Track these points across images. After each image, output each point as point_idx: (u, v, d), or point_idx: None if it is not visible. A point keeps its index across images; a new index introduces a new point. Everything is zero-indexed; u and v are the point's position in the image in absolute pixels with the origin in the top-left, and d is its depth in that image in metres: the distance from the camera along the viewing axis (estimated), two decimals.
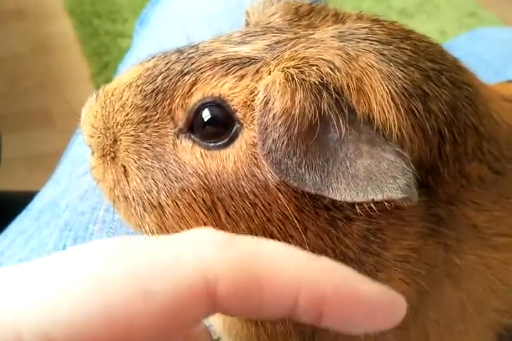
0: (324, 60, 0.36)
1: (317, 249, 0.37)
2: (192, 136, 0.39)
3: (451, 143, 0.37)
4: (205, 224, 0.38)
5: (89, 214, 0.63)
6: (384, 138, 0.35)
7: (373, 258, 0.38)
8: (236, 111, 0.37)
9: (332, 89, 0.35)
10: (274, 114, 0.35)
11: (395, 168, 0.34)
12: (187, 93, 0.39)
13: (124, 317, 0.26)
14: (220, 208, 0.38)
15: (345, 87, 0.35)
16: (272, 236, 0.37)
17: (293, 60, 0.36)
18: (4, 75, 1.91)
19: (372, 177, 0.34)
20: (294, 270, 0.28)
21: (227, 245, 0.28)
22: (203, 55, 0.39)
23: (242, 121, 0.37)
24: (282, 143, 0.35)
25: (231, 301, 0.27)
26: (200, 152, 0.38)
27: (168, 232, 0.39)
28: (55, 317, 0.26)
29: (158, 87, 0.39)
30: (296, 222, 0.37)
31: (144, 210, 0.40)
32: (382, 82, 0.35)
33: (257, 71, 0.37)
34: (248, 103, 0.37)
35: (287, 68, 0.36)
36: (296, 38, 0.39)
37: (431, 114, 0.36)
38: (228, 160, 0.37)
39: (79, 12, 2.13)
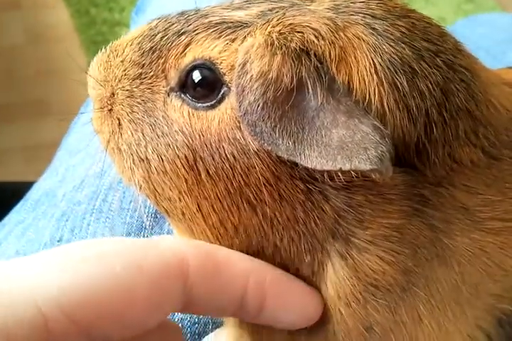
0: (311, 27, 0.36)
1: (291, 220, 0.38)
2: (182, 96, 0.40)
3: (440, 125, 0.37)
4: (186, 181, 0.39)
5: (85, 204, 0.63)
6: (363, 111, 0.35)
7: (347, 234, 0.38)
8: (224, 74, 0.38)
9: (313, 56, 0.35)
10: (251, 77, 0.36)
11: (368, 140, 0.34)
12: (180, 53, 0.40)
13: (127, 286, 0.32)
14: (201, 166, 0.39)
15: (327, 56, 0.36)
16: (248, 202, 0.38)
17: (279, 26, 0.37)
18: (1, 65, 1.91)
19: (344, 147, 0.34)
20: (244, 264, 0.38)
21: (194, 244, 0.37)
22: (200, 17, 0.40)
23: (229, 84, 0.38)
24: (258, 106, 0.35)
25: (198, 285, 0.35)
26: (188, 111, 0.39)
27: (154, 187, 0.41)
28: (64, 288, 0.31)
29: (155, 45, 0.41)
30: (272, 189, 0.37)
31: (133, 163, 0.41)
32: (368, 53, 0.36)
33: (247, 35, 0.38)
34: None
35: (270, 33, 0.36)
36: (291, 6, 0.39)
37: (418, 92, 0.36)
38: (213, 122, 0.38)
39: (76, 1, 2.12)
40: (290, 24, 0.37)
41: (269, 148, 0.36)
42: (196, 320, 0.56)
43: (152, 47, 0.41)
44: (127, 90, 0.42)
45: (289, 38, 0.36)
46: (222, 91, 0.38)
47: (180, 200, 0.41)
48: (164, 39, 0.41)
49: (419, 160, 0.37)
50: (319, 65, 0.35)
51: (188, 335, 0.56)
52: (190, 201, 0.40)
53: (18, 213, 0.68)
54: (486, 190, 0.39)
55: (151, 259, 0.34)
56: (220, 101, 0.38)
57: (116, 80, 0.42)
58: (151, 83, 0.41)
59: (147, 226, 0.61)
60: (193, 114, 0.39)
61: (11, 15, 2.08)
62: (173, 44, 0.40)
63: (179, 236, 0.44)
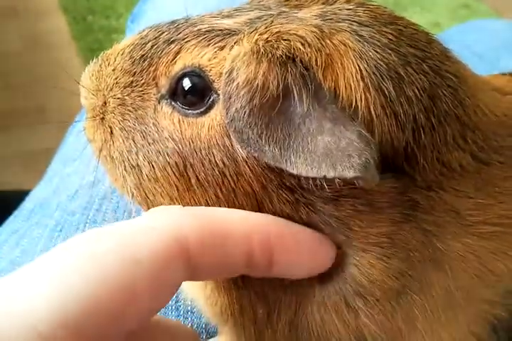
0: (297, 35, 0.37)
1: None
2: (172, 103, 0.40)
3: (428, 130, 0.37)
4: (177, 188, 0.40)
5: (79, 214, 0.63)
6: (349, 117, 0.35)
7: (337, 246, 0.38)
8: (214, 81, 0.38)
9: (300, 64, 0.36)
10: (238, 84, 0.36)
11: (353, 147, 0.34)
12: (171, 61, 0.40)
13: (127, 285, 0.31)
14: (191, 173, 0.39)
15: (314, 62, 0.36)
16: (238, 208, 0.38)
17: (267, 33, 0.37)
18: None
19: (329, 154, 0.34)
20: (244, 224, 0.36)
21: (188, 213, 0.35)
22: (190, 25, 0.41)
23: (219, 91, 0.38)
24: (244, 113, 0.36)
25: (202, 256, 0.34)
26: (178, 118, 0.40)
27: (146, 194, 0.41)
28: (62, 307, 0.29)
29: (146, 53, 0.42)
30: (259, 198, 0.38)
31: (125, 170, 0.42)
32: (354, 60, 0.36)
33: (235, 43, 0.38)
34: None
35: (257, 41, 0.37)
36: (279, 14, 0.39)
37: (405, 98, 0.36)
38: (203, 128, 0.39)
39: (73, 8, 2.12)
40: (277, 32, 0.37)
41: (256, 155, 0.36)
42: None
43: (143, 55, 0.42)
44: (119, 98, 0.42)
45: (275, 46, 0.36)
46: (211, 99, 0.39)
47: None
48: (155, 47, 0.41)
49: (409, 164, 0.37)
50: (305, 72, 0.35)
51: None
52: None
53: (12, 222, 0.68)
54: (476, 194, 0.39)
55: (147, 248, 0.32)
56: (209, 108, 0.39)
57: (108, 89, 0.43)
58: (142, 91, 0.41)
59: None
60: (183, 121, 0.39)
61: (8, 22, 2.08)
62: (164, 52, 0.41)
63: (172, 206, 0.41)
